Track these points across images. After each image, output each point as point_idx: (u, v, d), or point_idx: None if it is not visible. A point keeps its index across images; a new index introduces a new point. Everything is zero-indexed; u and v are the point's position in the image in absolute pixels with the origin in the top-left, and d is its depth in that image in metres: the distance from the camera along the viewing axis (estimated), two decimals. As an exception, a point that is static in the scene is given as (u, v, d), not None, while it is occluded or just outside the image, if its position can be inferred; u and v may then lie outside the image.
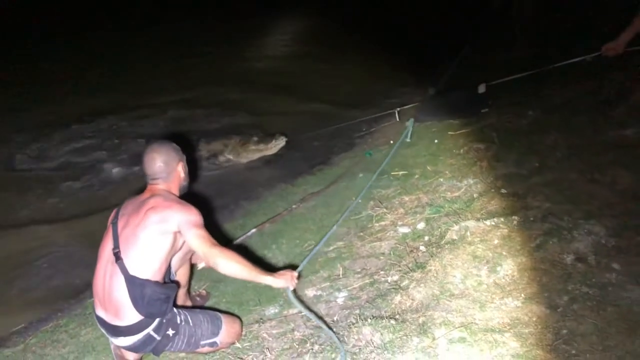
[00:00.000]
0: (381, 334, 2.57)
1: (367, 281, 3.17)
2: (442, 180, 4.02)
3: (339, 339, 2.62)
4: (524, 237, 3.05)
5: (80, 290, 4.24)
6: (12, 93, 9.50)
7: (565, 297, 2.54)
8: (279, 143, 6.47)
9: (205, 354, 2.93)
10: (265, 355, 2.82)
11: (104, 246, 2.78)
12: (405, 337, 2.51)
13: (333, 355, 2.60)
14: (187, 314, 2.86)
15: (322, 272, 3.43)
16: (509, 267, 2.83)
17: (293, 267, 3.00)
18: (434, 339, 2.45)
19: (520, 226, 3.16)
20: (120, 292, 2.61)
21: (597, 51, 4.31)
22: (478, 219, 3.32)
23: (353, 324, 2.74)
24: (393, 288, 2.97)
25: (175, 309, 2.82)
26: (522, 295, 2.62)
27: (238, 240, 4.16)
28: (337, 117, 7.15)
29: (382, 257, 3.35)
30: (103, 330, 2.79)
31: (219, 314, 2.98)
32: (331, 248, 3.69)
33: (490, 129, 4.71)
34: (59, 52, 12.51)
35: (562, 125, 4.35)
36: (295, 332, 2.94)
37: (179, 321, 2.79)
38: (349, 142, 6.35)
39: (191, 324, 2.82)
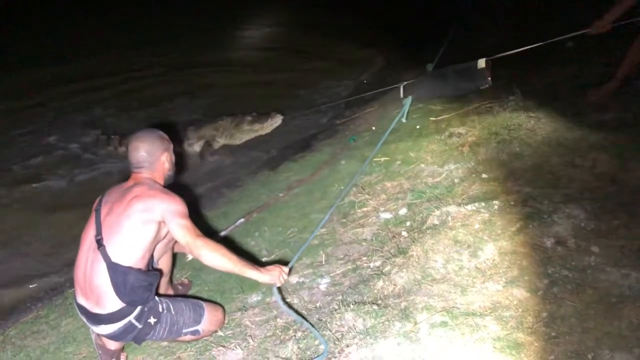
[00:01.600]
0: (363, 320, 2.58)
1: (349, 267, 3.17)
2: (423, 166, 4.02)
3: (322, 335, 2.61)
4: (504, 221, 3.07)
5: (60, 280, 4.20)
6: None
7: (546, 281, 2.56)
8: (275, 122, 6.26)
9: (188, 342, 2.92)
10: (248, 343, 2.81)
11: (86, 233, 2.76)
12: (387, 322, 2.51)
13: (316, 342, 2.59)
14: (169, 302, 2.84)
15: (305, 259, 3.42)
16: (489, 252, 2.84)
17: (283, 263, 2.97)
18: (415, 323, 2.46)
19: (500, 211, 3.17)
20: (102, 279, 2.59)
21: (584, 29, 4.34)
22: (459, 204, 3.33)
23: (335, 310, 2.74)
24: (375, 274, 2.98)
25: (157, 297, 2.80)
26: (503, 279, 2.64)
27: (225, 232, 4.10)
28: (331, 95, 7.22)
29: (364, 243, 3.36)
30: (83, 319, 2.76)
31: (202, 302, 2.97)
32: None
33: (472, 113, 4.72)
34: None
35: (543, 109, 4.37)
36: (278, 320, 2.94)
37: (160, 309, 2.76)
38: (331, 128, 6.35)
39: (173, 312, 2.80)
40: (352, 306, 2.69)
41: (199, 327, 2.86)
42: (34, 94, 8.84)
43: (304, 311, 2.91)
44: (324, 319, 2.74)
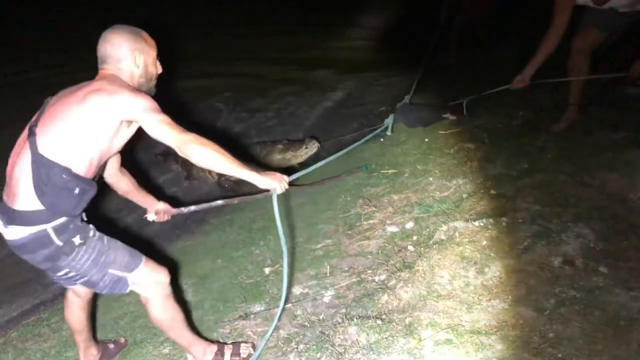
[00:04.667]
0: (367, 334, 2.55)
1: (354, 280, 3.14)
2: (431, 179, 4.00)
3: (324, 348, 2.57)
4: (512, 239, 3.04)
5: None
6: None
7: (553, 300, 2.53)
8: (311, 149, 5.54)
9: (106, 293, 2.52)
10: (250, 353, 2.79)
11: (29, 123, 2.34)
12: (391, 338, 2.49)
13: (318, 355, 2.57)
14: (105, 235, 2.46)
15: (309, 270, 3.40)
16: (496, 269, 2.82)
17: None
18: (420, 340, 2.43)
19: (508, 228, 3.14)
20: (23, 171, 2.19)
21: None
22: (467, 220, 3.30)
23: (339, 323, 2.72)
24: (380, 288, 2.95)
25: (90, 225, 2.42)
26: (510, 297, 2.61)
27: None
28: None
29: (369, 256, 3.33)
30: (0, 223, 2.31)
31: (144, 256, 2.56)
32: (319, 246, 3.66)
33: (481, 129, 4.71)
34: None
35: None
36: (281, 331, 2.91)
37: (91, 234, 2.38)
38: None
39: (105, 243, 2.41)
40: (355, 320, 2.67)
41: (128, 277, 2.45)
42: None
43: (306, 323, 2.88)
44: (326, 332, 2.71)
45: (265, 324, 3.03)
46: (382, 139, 5.29)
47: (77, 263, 2.33)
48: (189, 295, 3.54)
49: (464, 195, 3.65)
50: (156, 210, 2.99)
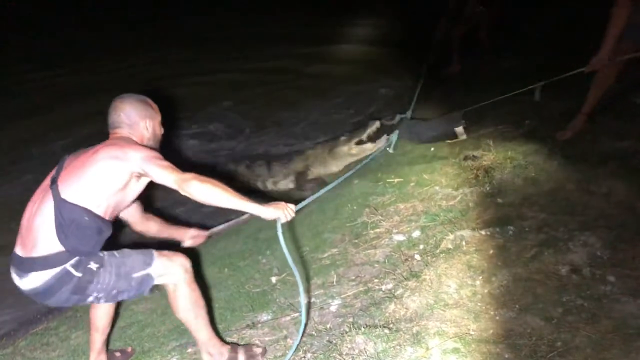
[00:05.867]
0: (374, 343, 2.55)
1: (361, 289, 3.14)
2: (437, 188, 4.00)
3: (332, 357, 2.58)
4: (519, 247, 3.04)
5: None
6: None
7: (560, 309, 2.53)
8: (379, 142, 5.27)
9: (140, 294, 2.63)
10: (257, 363, 2.79)
11: (45, 179, 2.57)
12: (398, 347, 2.49)
13: (325, 365, 2.58)
14: (111, 251, 2.59)
15: (316, 279, 3.41)
16: (503, 278, 2.82)
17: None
18: (427, 349, 2.43)
19: (515, 236, 3.15)
20: (44, 217, 2.38)
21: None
22: (473, 229, 3.31)
23: (346, 332, 2.72)
24: (387, 297, 2.95)
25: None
26: (517, 306, 2.61)
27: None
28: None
29: (376, 265, 3.33)
30: (13, 274, 2.48)
31: (152, 249, 2.70)
32: (325, 255, 3.67)
33: (487, 137, 4.71)
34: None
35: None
36: (288, 340, 2.92)
37: (101, 254, 2.52)
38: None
39: (117, 256, 2.56)
40: (363, 329, 2.67)
41: (150, 272, 2.58)
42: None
43: (314, 332, 2.89)
44: (334, 341, 2.71)
45: (273, 333, 3.03)
46: (388, 149, 5.30)
47: (102, 284, 2.49)
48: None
49: (471, 204, 3.66)
50: (190, 237, 3.24)
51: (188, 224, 3.26)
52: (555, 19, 8.12)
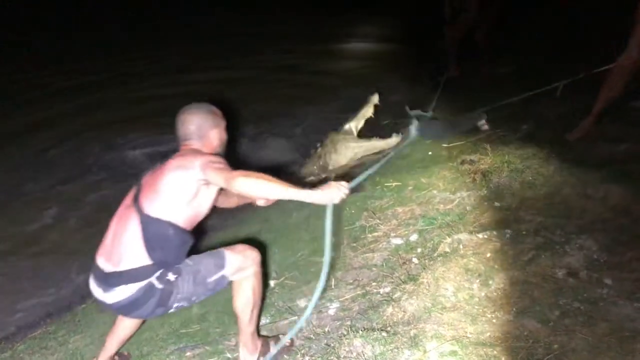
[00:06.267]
0: (372, 346, 2.56)
1: (359, 292, 3.15)
2: (435, 192, 4.02)
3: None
4: (516, 250, 3.05)
5: (70, 296, 4.22)
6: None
7: (557, 312, 2.54)
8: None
9: (213, 294, 2.71)
10: (255, 366, 2.80)
11: (125, 198, 2.67)
12: (396, 350, 2.50)
13: (323, 368, 2.59)
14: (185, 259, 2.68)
15: (314, 283, 3.40)
16: (500, 281, 2.83)
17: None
18: (425, 352, 2.44)
19: (512, 240, 3.16)
20: (130, 233, 2.48)
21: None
22: (471, 232, 3.32)
23: (344, 335, 2.73)
24: (385, 300, 2.96)
25: None
26: (514, 309, 2.62)
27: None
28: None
29: (374, 269, 3.34)
30: (94, 287, 2.57)
31: (220, 248, 2.74)
32: (323, 258, 3.67)
33: (484, 141, 4.73)
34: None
35: (555, 139, 4.37)
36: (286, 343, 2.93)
37: (177, 265, 2.60)
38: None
39: (191, 263, 2.62)
40: (361, 332, 2.68)
41: (225, 273, 2.64)
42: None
43: (312, 335, 2.90)
44: (332, 344, 2.72)
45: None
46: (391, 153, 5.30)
47: (183, 294, 2.57)
48: (194, 308, 3.55)
49: (468, 208, 3.67)
50: None
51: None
52: (555, 20, 8.12)
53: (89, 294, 4.02)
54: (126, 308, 2.54)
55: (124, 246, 2.48)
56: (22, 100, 9.21)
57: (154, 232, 2.46)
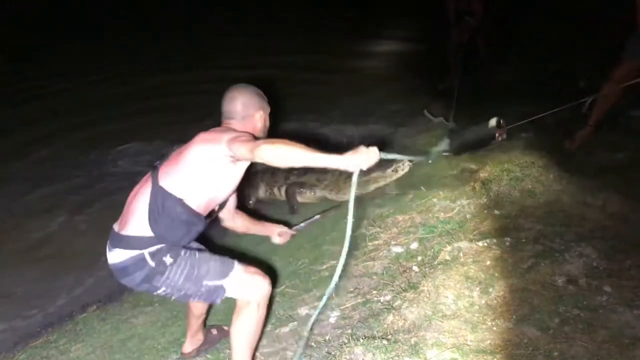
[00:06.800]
0: (373, 354, 2.56)
1: (359, 301, 3.16)
2: (435, 200, 4.03)
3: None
4: (516, 258, 3.06)
5: (71, 305, 4.23)
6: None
7: (557, 319, 2.55)
8: (401, 168, 4.72)
9: (212, 301, 2.70)
10: (257, 375, 2.81)
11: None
12: (397, 358, 2.50)
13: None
14: (194, 250, 2.63)
15: (315, 291, 3.43)
16: (500, 289, 2.84)
17: None
18: (425, 359, 2.45)
19: (512, 247, 3.17)
20: (141, 201, 2.48)
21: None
22: (471, 240, 3.33)
23: (345, 343, 2.73)
24: (385, 308, 2.97)
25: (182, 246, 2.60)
26: (514, 316, 2.62)
27: (302, 225, 3.68)
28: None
29: (375, 277, 3.36)
30: (107, 250, 2.56)
31: (235, 260, 2.67)
32: (324, 267, 3.69)
33: (483, 150, 4.74)
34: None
35: (555, 147, 4.39)
36: (287, 352, 2.94)
37: (182, 252, 2.55)
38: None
39: (197, 257, 2.58)
40: (361, 340, 2.68)
41: (224, 283, 2.56)
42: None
43: (313, 344, 2.90)
44: (333, 353, 2.73)
45: (271, 345, 3.05)
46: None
47: (172, 280, 2.51)
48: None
49: (468, 216, 3.69)
50: (279, 233, 3.28)
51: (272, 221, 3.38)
52: (555, 25, 8.15)
53: (89, 302, 4.10)
54: (118, 272, 2.53)
55: (132, 212, 2.50)
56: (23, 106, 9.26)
57: (162, 204, 2.42)
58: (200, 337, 3.16)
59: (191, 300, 2.72)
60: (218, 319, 3.48)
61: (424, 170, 4.78)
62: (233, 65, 10.03)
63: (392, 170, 4.71)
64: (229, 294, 2.61)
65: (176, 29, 14.22)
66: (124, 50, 12.40)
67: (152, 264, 2.46)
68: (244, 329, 2.64)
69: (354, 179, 2.34)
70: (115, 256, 2.50)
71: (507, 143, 4.70)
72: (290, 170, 5.37)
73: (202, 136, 2.53)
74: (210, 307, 3.22)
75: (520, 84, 6.65)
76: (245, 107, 2.68)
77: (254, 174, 5.68)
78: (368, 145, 2.29)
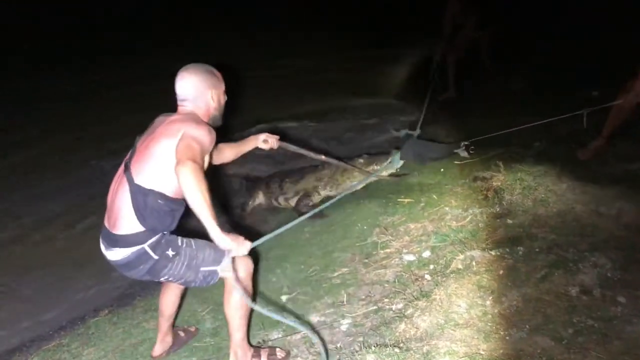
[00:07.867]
0: (385, 363, 2.57)
1: (371, 308, 3.16)
2: (447, 208, 4.03)
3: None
4: (529, 268, 3.05)
5: (83, 308, 4.25)
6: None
7: (570, 330, 2.53)
8: (397, 161, 5.06)
9: (206, 285, 2.79)
10: (268, 381, 2.81)
11: (122, 163, 2.74)
12: (409, 366, 2.50)
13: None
14: (189, 239, 2.74)
15: (327, 299, 3.43)
16: (513, 298, 2.83)
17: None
18: (438, 368, 2.44)
19: (525, 257, 3.16)
20: (123, 200, 2.56)
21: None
22: (483, 249, 3.32)
23: (357, 351, 2.73)
24: (397, 316, 2.97)
25: (176, 235, 2.73)
26: (527, 326, 2.61)
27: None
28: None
29: (386, 285, 3.35)
30: (102, 246, 2.70)
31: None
32: (335, 274, 3.69)
33: (496, 158, 4.73)
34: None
35: (568, 156, 4.37)
36: (298, 358, 2.94)
37: (180, 243, 2.68)
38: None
39: (193, 247, 2.70)
40: (373, 348, 2.69)
41: (218, 268, 2.71)
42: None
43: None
44: (344, 360, 2.73)
45: (283, 352, 3.04)
46: (397, 169, 5.32)
47: (175, 270, 2.66)
48: (207, 323, 3.57)
49: (481, 225, 3.67)
50: (264, 140, 3.45)
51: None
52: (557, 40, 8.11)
53: (101, 306, 4.12)
54: (121, 267, 2.67)
55: (117, 212, 2.59)
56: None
57: (144, 201, 2.53)
58: (169, 340, 3.30)
59: (188, 285, 2.86)
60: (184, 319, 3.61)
61: (436, 178, 4.78)
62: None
63: (386, 165, 5.06)
64: (220, 275, 2.75)
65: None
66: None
67: (155, 257, 2.60)
68: (236, 306, 2.80)
69: (227, 261, 2.63)
70: (117, 254, 2.63)
71: (520, 151, 4.72)
72: (283, 179, 5.57)
73: (162, 129, 2.61)
74: (179, 309, 3.36)
75: (530, 95, 6.62)
76: (196, 88, 2.72)
77: (252, 183, 5.97)
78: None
